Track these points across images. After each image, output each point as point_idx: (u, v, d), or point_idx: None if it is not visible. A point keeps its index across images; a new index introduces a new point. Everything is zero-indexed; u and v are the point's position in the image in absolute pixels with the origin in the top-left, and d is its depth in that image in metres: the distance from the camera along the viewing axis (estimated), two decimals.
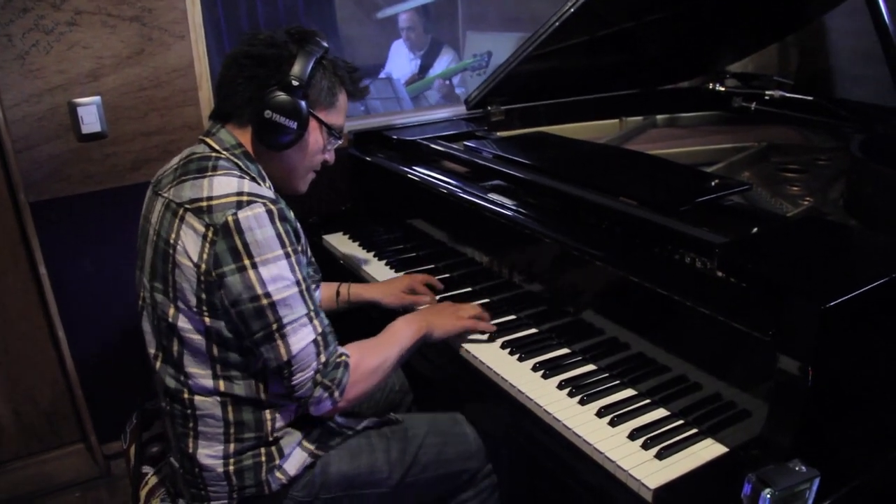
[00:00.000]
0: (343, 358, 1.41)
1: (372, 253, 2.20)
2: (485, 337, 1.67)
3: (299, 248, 1.41)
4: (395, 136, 2.33)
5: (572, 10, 2.11)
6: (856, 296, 1.14)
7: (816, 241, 1.40)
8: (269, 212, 1.34)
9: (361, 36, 4.65)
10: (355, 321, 1.85)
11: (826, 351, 1.11)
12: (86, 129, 2.25)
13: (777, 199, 1.79)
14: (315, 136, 1.51)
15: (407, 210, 2.22)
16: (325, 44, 1.48)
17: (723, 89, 2.77)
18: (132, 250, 1.55)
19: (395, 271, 2.06)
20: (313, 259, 1.57)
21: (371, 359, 1.47)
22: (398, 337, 1.55)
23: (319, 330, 1.38)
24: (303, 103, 1.43)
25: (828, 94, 2.82)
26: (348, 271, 2.18)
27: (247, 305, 1.32)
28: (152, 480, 1.67)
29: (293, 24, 1.50)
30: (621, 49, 2.52)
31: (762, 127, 2.48)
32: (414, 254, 2.15)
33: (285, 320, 1.33)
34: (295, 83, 1.41)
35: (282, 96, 1.40)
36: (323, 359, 1.37)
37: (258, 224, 1.32)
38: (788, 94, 2.56)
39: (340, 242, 2.31)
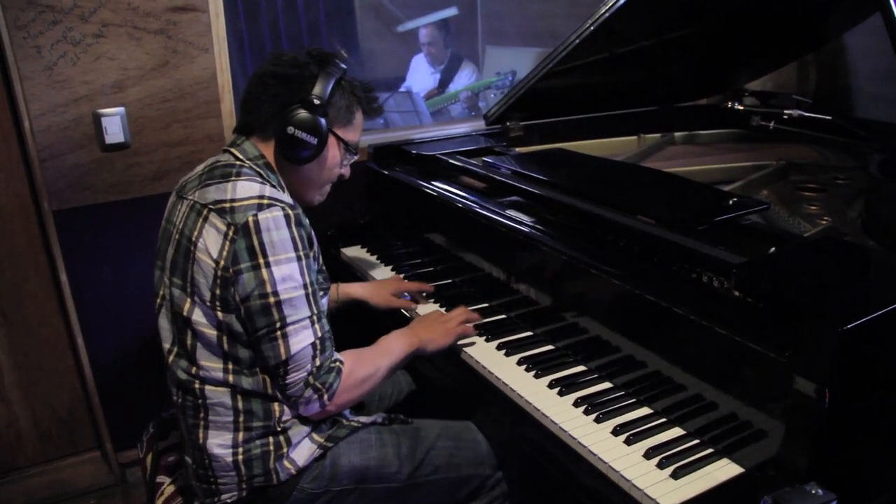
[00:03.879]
0: (337, 364, 1.47)
1: (389, 266, 2.21)
2: (501, 352, 1.68)
3: (311, 254, 1.48)
4: (413, 151, 2.34)
5: (592, 27, 2.12)
6: (874, 318, 1.13)
7: (834, 261, 1.39)
8: (287, 216, 1.42)
9: (382, 49, 4.68)
10: (350, 327, 1.90)
11: (843, 373, 1.11)
12: (109, 140, 2.29)
13: (795, 219, 1.79)
14: (333, 151, 1.60)
15: (425, 224, 2.23)
16: (344, 65, 1.58)
17: (741, 107, 2.77)
18: (152, 260, 1.58)
19: None
20: (324, 267, 1.63)
21: (363, 368, 1.53)
22: (391, 350, 1.62)
23: (319, 334, 1.44)
24: (322, 121, 1.52)
25: (847, 113, 2.81)
26: None
27: (255, 302, 1.39)
28: (168, 490, 1.69)
29: (315, 38, 1.56)
30: (640, 66, 2.52)
31: (780, 145, 2.48)
32: (431, 268, 2.16)
33: (288, 320, 1.40)
34: (316, 101, 1.51)
35: (303, 114, 1.50)
36: (318, 362, 1.43)
37: (276, 226, 1.40)
38: (807, 113, 2.55)
39: (358, 255, 2.32)
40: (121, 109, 2.29)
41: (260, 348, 1.42)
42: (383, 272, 2.19)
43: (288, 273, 1.40)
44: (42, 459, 2.55)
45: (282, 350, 1.40)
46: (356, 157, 1.69)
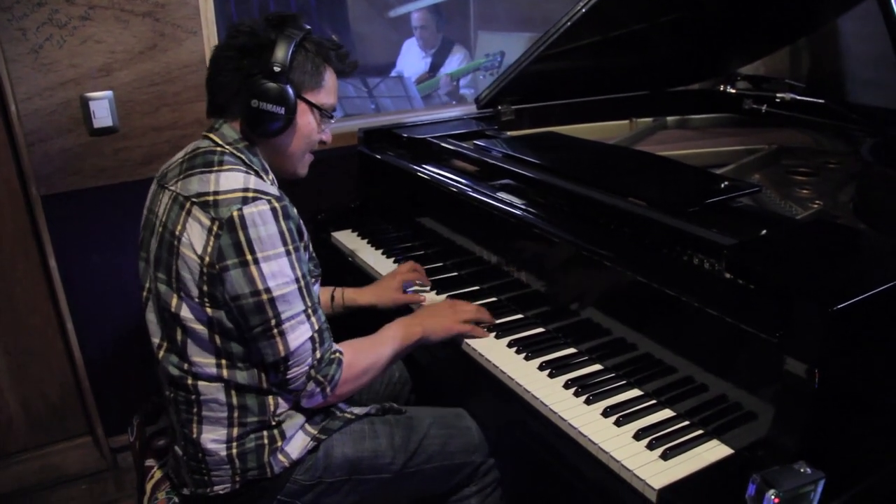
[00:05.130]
0: (337, 355, 1.44)
1: (381, 250, 2.20)
2: (491, 334, 1.68)
3: (301, 245, 1.44)
4: (404, 135, 2.33)
5: (584, 10, 2.11)
6: (864, 299, 1.13)
7: (825, 243, 1.39)
8: (274, 209, 1.36)
9: (373, 34, 4.65)
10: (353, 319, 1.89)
11: (833, 354, 1.11)
12: (97, 124, 2.27)
13: (787, 202, 1.79)
14: (306, 118, 1.51)
15: (416, 208, 2.22)
16: (307, 26, 1.49)
17: (734, 91, 2.76)
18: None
19: None
20: (314, 254, 1.59)
21: (364, 358, 1.50)
22: (393, 339, 1.59)
23: (316, 327, 1.41)
24: (288, 88, 1.43)
25: (839, 97, 2.80)
26: (356, 268, 2.18)
27: (247, 300, 1.34)
28: (158, 474, 1.68)
29: (305, 21, 1.50)
30: (633, 50, 2.51)
31: (773, 129, 2.48)
32: (422, 252, 2.16)
33: (284, 316, 1.36)
34: (277, 69, 1.42)
35: (266, 83, 1.41)
36: (318, 355, 1.40)
37: (262, 221, 1.34)
38: (800, 97, 2.55)
39: (349, 239, 2.32)
40: (108, 93, 2.27)
41: (257, 346, 1.38)
42: (374, 255, 2.18)
43: (278, 269, 1.35)
44: (33, 445, 2.55)
45: (280, 347, 1.37)
46: (334, 121, 1.59)
